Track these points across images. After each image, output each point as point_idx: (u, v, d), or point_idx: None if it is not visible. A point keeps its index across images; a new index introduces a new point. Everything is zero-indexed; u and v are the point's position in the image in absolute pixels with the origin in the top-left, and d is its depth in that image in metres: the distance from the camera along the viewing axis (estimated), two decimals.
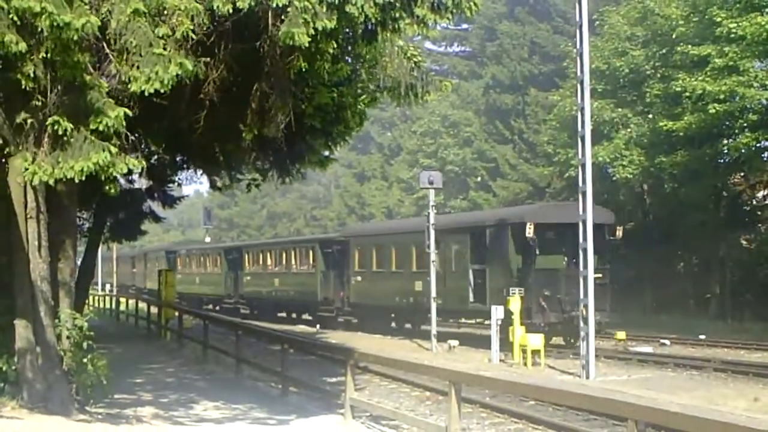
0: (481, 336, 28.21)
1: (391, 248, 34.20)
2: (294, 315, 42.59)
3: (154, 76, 9.82)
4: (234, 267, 49.79)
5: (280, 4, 10.16)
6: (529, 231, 25.82)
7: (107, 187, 11.19)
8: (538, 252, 26.76)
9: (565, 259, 27.69)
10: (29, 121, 10.72)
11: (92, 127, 10.22)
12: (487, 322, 28.35)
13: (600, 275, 25.16)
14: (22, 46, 9.55)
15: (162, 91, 9.99)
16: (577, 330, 24.70)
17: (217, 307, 50.09)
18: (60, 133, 10.21)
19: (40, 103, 10.56)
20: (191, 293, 52.17)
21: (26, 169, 10.59)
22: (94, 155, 10.11)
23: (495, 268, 28.07)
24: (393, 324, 34.43)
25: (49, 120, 10.24)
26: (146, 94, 10.02)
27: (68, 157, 10.26)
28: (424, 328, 32.15)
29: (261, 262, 46.78)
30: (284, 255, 44.21)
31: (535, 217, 27.13)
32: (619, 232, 26.84)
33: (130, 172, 11.81)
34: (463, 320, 32.29)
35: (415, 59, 13.48)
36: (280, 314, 43.06)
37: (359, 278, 36.07)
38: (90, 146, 10.18)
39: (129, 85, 10.11)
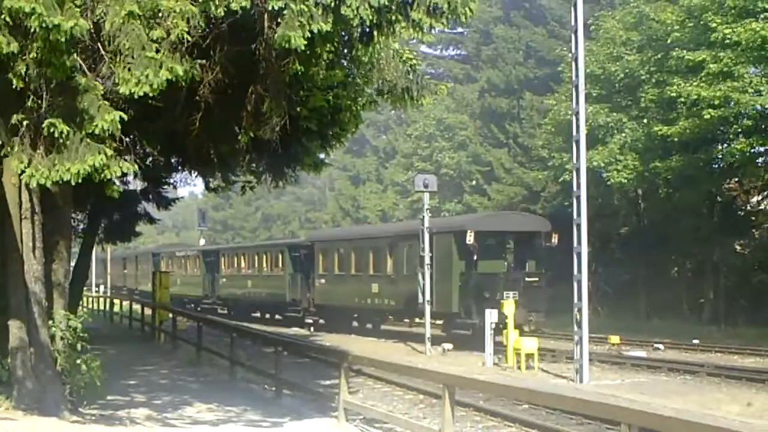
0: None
1: (351, 253, 36.60)
2: (267, 315, 44.12)
3: (144, 80, 9.80)
4: (211, 269, 51.66)
5: (276, 7, 10.16)
6: (470, 238, 27.87)
7: (108, 190, 11.18)
8: (478, 257, 29.13)
9: (506, 263, 30.57)
10: (24, 122, 10.69)
11: (87, 130, 10.20)
12: (438, 321, 31.55)
13: (536, 279, 29.13)
14: (14, 47, 9.53)
15: (152, 94, 9.98)
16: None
17: (198, 308, 51.16)
18: (56, 135, 10.19)
19: (35, 105, 10.54)
20: (173, 294, 52.57)
21: (23, 172, 10.58)
22: (90, 158, 10.09)
23: (441, 271, 29.79)
24: (355, 324, 36.26)
25: (45, 122, 10.21)
26: (136, 96, 10.01)
27: (64, 159, 10.23)
28: (384, 328, 34.56)
29: (236, 264, 49.16)
30: (256, 258, 46.67)
31: (476, 226, 29.44)
32: (555, 239, 28.78)
33: (124, 174, 11.79)
34: (417, 320, 33.71)
35: (411, 62, 13.50)
36: (254, 314, 44.37)
37: (323, 281, 38.22)
38: (86, 149, 10.16)
39: (118, 87, 10.09)
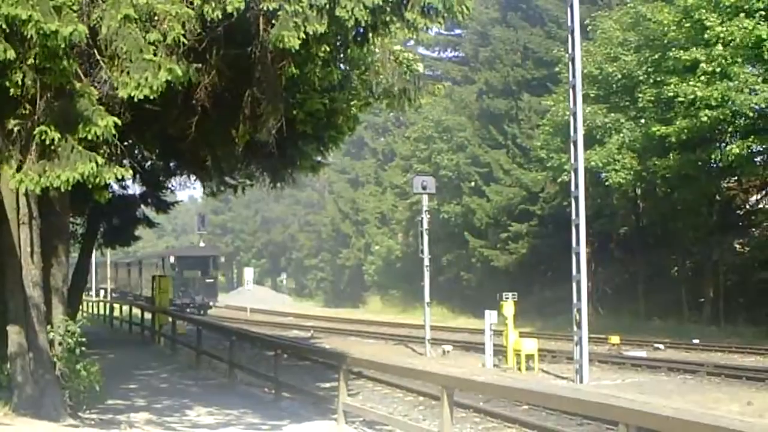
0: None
1: (140, 266, 65.36)
2: None
3: (144, 82, 9.77)
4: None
5: (271, 8, 10.16)
6: (171, 260, 56.76)
7: (97, 195, 11.15)
8: (181, 269, 55.59)
9: (199, 273, 55.85)
10: (16, 129, 10.65)
11: (81, 135, 10.15)
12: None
13: (212, 280, 57.86)
14: (11, 54, 9.50)
15: (152, 97, 9.96)
16: (196, 306, 54.00)
17: None
18: (47, 142, 10.15)
19: (28, 112, 10.49)
20: None
21: (13, 176, 10.56)
22: (81, 166, 10.03)
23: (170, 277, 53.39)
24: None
25: (37, 130, 10.15)
26: (136, 100, 9.98)
27: (55, 166, 10.20)
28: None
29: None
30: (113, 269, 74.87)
31: (176, 253, 61.03)
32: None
33: (122, 178, 11.80)
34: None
35: (407, 63, 13.47)
36: None
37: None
38: (77, 156, 10.11)
39: (118, 91, 10.06)
